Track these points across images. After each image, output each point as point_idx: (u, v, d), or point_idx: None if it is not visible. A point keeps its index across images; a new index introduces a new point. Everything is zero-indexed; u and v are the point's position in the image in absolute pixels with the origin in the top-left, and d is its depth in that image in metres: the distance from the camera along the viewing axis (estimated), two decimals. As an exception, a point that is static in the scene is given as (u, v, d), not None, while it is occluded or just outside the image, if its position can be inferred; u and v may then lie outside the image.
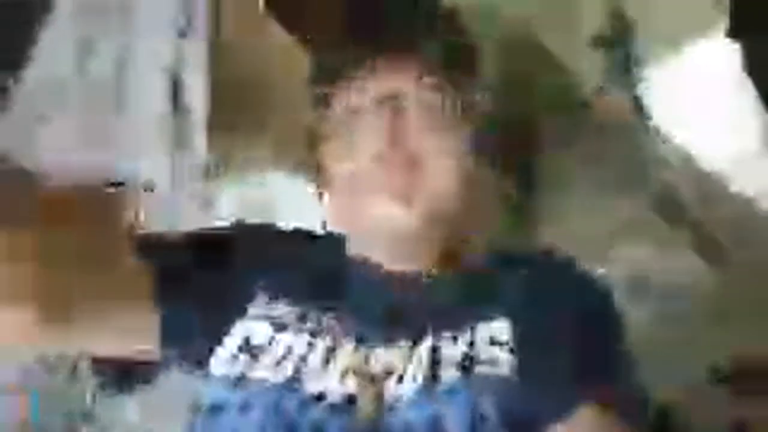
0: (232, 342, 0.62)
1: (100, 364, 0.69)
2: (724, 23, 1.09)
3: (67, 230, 0.57)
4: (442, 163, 0.63)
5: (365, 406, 0.56)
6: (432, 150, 0.63)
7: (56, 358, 0.97)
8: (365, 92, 0.64)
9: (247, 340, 0.62)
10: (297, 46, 1.32)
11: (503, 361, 0.57)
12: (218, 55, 1.22)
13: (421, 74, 0.64)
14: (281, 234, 0.73)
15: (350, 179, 0.64)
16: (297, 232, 0.74)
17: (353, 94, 0.64)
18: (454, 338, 0.59)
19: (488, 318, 0.60)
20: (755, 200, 1.66)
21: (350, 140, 0.64)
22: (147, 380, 0.75)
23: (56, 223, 0.56)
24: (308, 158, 0.70)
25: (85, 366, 1.00)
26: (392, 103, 0.63)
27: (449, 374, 0.56)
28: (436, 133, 0.63)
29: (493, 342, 0.58)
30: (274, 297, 0.65)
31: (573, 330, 0.59)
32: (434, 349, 0.59)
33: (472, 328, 0.60)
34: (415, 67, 0.64)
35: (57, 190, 0.59)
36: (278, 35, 1.37)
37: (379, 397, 0.56)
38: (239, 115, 1.26)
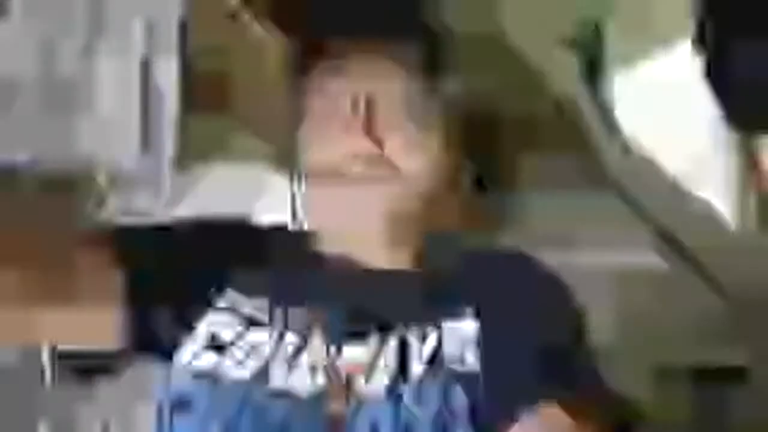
0: (199, 337, 0.62)
1: (64, 358, 0.68)
2: (691, 33, 1.13)
3: (29, 226, 0.56)
4: (416, 162, 0.65)
5: (333, 402, 0.56)
6: (405, 148, 0.64)
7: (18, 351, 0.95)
8: (340, 90, 0.64)
9: (214, 336, 0.62)
10: (272, 40, 1.32)
11: (471, 358, 0.58)
12: (190, 48, 1.21)
13: (395, 73, 0.65)
14: (252, 229, 0.73)
15: (324, 175, 0.65)
16: (268, 228, 0.74)
17: (328, 91, 0.65)
18: (423, 335, 0.60)
19: (456, 316, 0.61)
20: (713, 205, 1.71)
21: (325, 136, 0.65)
22: (112, 373, 0.74)
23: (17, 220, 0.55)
24: (283, 153, 0.70)
25: (47, 358, 0.98)
26: (366, 101, 0.64)
27: (417, 370, 0.57)
28: (410, 131, 0.64)
29: (460, 339, 0.60)
30: (243, 292, 0.65)
31: (536, 329, 0.61)
32: (403, 346, 0.59)
33: (440, 326, 0.61)
34: (388, 65, 0.65)
35: (18, 187, 0.58)
36: (252, 30, 1.36)
37: (348, 392, 0.57)
38: (212, 110, 1.25)
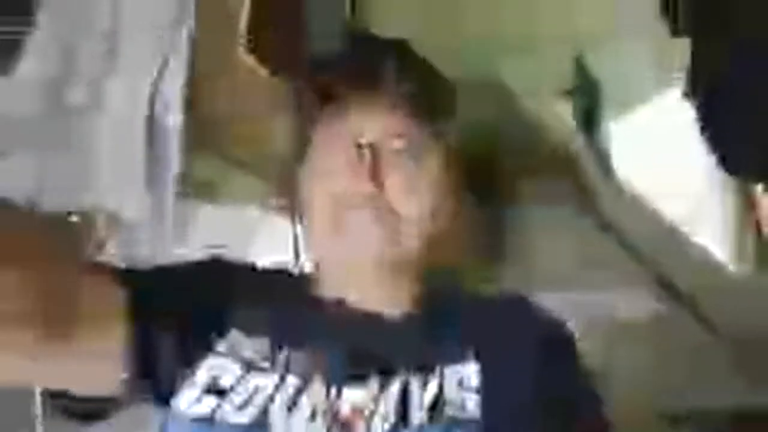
0: (199, 380, 0.62)
1: (57, 398, 0.67)
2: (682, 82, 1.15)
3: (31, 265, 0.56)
4: (415, 203, 0.66)
5: None
6: (404, 189, 0.65)
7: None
8: (343, 132, 0.66)
9: (215, 379, 0.61)
10: (275, 81, 1.34)
11: (472, 404, 0.58)
12: (195, 84, 1.23)
13: (397, 117, 0.66)
14: (255, 271, 0.74)
15: (325, 215, 0.66)
16: (271, 270, 0.74)
17: (332, 133, 0.66)
18: (424, 380, 0.60)
19: (457, 360, 0.61)
20: (710, 250, 1.72)
21: (328, 175, 0.66)
22: (106, 415, 0.73)
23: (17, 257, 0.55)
24: (287, 192, 0.71)
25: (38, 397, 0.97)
26: (367, 146, 0.65)
27: (418, 416, 0.57)
28: (410, 170, 0.66)
29: (461, 384, 0.59)
30: (244, 335, 0.65)
31: (536, 374, 0.61)
32: (404, 391, 0.59)
33: (442, 371, 0.61)
34: (389, 109, 0.66)
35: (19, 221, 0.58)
36: (257, 71, 1.39)
37: None
38: (216, 144, 1.27)
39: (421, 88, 0.68)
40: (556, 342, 0.66)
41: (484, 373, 0.60)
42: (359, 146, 0.65)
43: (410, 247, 0.66)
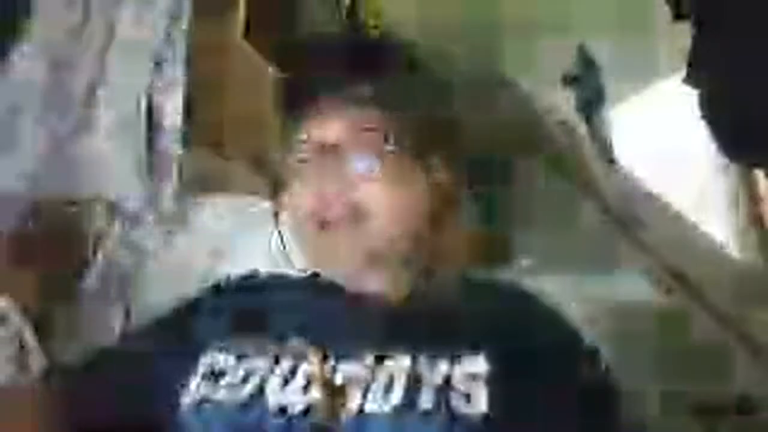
0: (199, 374, 0.63)
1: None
2: (684, 68, 1.14)
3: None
4: (386, 208, 0.65)
5: (323, 412, 0.56)
6: (374, 196, 0.65)
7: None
8: (309, 138, 0.66)
9: (211, 369, 0.62)
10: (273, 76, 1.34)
11: (479, 396, 0.57)
12: (195, 85, 1.23)
13: (362, 121, 0.66)
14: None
15: (302, 220, 0.66)
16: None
17: (302, 137, 0.67)
18: (432, 366, 0.59)
19: (465, 350, 0.60)
20: (716, 238, 1.71)
21: (300, 183, 0.67)
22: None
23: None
24: (272, 195, 0.72)
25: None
26: (333, 150, 0.65)
27: (424, 401, 0.56)
28: (379, 178, 0.65)
29: (469, 375, 0.58)
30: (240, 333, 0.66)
31: (547, 366, 0.60)
32: (412, 373, 0.58)
33: (451, 360, 0.59)
34: (355, 113, 0.66)
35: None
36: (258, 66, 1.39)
37: (339, 405, 0.56)
38: (216, 147, 1.27)
39: (386, 86, 0.68)
40: (559, 338, 0.65)
41: (492, 366, 0.59)
42: (323, 146, 0.66)
43: (385, 242, 0.66)
